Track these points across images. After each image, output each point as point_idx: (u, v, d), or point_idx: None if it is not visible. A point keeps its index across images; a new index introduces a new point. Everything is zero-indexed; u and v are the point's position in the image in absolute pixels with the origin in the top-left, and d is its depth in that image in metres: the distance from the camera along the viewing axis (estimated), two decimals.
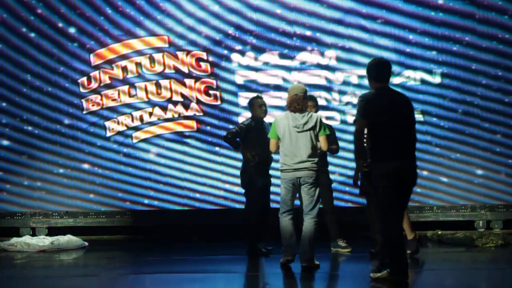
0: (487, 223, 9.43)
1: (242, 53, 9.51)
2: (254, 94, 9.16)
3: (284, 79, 9.53)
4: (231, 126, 9.07)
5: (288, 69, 9.53)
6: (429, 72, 9.52)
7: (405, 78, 9.51)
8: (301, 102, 6.66)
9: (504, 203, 9.45)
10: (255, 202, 7.57)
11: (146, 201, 9.58)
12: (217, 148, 9.43)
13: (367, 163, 5.83)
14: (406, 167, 5.73)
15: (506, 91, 9.46)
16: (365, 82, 9.27)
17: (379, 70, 5.88)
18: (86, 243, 8.79)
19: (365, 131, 5.85)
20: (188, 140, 9.53)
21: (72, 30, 9.51)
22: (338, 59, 9.50)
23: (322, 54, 9.50)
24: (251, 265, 7.29)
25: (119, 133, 9.56)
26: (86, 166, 9.56)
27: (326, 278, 6.62)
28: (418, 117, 9.29)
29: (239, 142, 7.63)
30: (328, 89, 9.50)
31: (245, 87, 9.53)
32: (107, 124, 9.56)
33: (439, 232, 8.74)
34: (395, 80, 9.39)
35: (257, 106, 7.69)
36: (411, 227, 7.27)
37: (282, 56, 9.52)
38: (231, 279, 6.65)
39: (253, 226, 7.56)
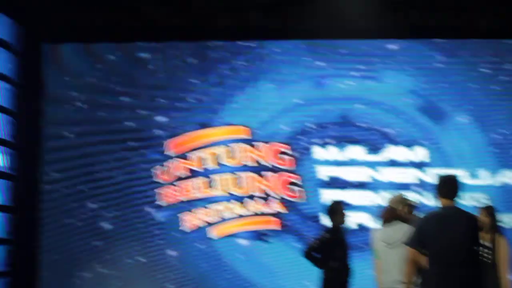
0: None
1: (325, 146, 9.67)
2: (337, 192, 9.26)
3: (371, 176, 9.59)
4: (312, 224, 9.18)
5: (375, 165, 9.61)
6: None
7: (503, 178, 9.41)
8: (387, 212, 6.63)
9: None
10: None
11: None
12: (296, 246, 9.32)
13: None
14: None
15: None
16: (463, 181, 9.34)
17: (441, 186, 5.82)
18: None
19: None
20: (268, 238, 9.61)
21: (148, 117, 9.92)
22: (430, 157, 9.51)
23: (412, 150, 9.54)
24: None
25: (196, 227, 9.73)
26: (159, 259, 9.73)
27: None
28: None
29: (318, 257, 7.54)
30: (420, 189, 9.46)
31: (328, 184, 9.61)
32: (183, 217, 9.76)
33: None
34: (492, 181, 9.30)
35: (340, 213, 7.61)
36: None
37: (368, 151, 9.62)
38: None
39: None
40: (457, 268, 5.55)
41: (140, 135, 9.91)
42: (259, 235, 9.65)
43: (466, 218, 5.72)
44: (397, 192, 8.83)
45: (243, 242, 9.66)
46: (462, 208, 5.79)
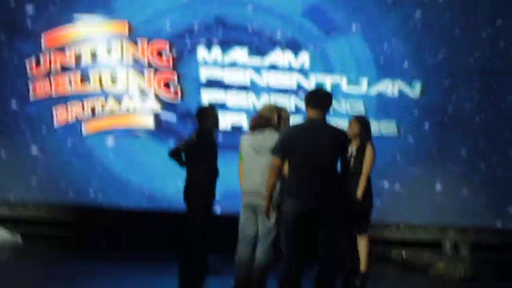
0: (455, 244, 9.22)
1: (208, 47, 9.45)
2: (217, 93, 9.11)
3: (252, 80, 9.46)
4: (189, 125, 9.01)
5: (257, 69, 9.46)
6: (408, 83, 9.46)
7: (383, 87, 9.44)
8: (256, 120, 6.46)
9: (474, 225, 9.35)
10: (196, 222, 7.25)
11: (92, 196, 9.44)
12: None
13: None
14: (311, 208, 5.56)
15: (478, 110, 9.41)
16: (343, 88, 9.38)
17: (312, 98, 5.79)
18: (19, 238, 8.53)
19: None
20: (142, 136, 9.42)
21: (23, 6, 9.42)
22: (312, 63, 9.45)
23: (295, 56, 9.45)
24: None
25: (68, 123, 9.43)
26: (28, 155, 9.42)
27: None
28: (392, 132, 9.30)
29: (183, 158, 7.33)
30: (299, 94, 9.39)
31: (208, 85, 9.44)
32: (55, 112, 9.43)
33: (404, 253, 8.54)
34: (372, 90, 9.37)
35: (210, 117, 7.41)
36: (369, 260, 7.12)
37: (252, 54, 9.45)
38: None
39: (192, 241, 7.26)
40: (318, 178, 5.56)
41: (12, 27, 9.41)
42: (132, 133, 9.43)
43: (331, 131, 5.72)
44: (271, 101, 8.89)
45: (115, 139, 9.45)
46: (329, 122, 5.78)
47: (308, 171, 5.58)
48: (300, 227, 5.58)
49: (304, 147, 5.59)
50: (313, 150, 5.57)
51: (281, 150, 5.69)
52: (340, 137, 5.72)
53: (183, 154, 7.29)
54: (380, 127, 9.32)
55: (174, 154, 7.29)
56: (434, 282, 7.86)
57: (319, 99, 5.76)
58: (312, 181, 5.56)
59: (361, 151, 7.13)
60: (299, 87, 9.43)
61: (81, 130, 9.44)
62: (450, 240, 9.30)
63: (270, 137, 6.19)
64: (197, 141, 7.24)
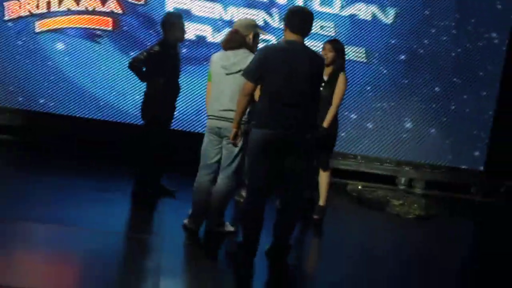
0: (409, 180, 9.37)
1: None
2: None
3: None
4: (151, 31, 8.54)
5: None
6: (383, 9, 9.12)
7: (355, 11, 9.08)
8: (231, 37, 5.94)
9: (430, 162, 9.35)
10: (156, 136, 7.00)
11: (41, 101, 8.91)
12: (132, 53, 8.54)
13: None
14: (283, 137, 5.28)
15: (455, 44, 9.21)
16: (315, 7, 8.98)
17: (293, 20, 5.34)
18: None
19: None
20: (100, 39, 8.88)
21: None
22: None
23: None
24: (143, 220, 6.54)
25: (20, 18, 8.81)
26: None
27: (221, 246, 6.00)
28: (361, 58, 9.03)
29: (143, 70, 6.92)
30: (269, 9, 9.00)
31: None
32: (6, 5, 8.80)
33: (359, 187, 8.40)
34: (344, 11, 9.01)
35: (176, 28, 6.92)
36: (327, 193, 6.96)
37: None
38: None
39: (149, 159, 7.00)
40: (292, 107, 5.27)
41: None
42: (89, 35, 8.90)
43: (311, 55, 5.37)
44: (247, 16, 8.44)
45: (71, 40, 8.89)
46: (308, 46, 5.41)
47: (287, 94, 5.25)
48: (269, 157, 5.31)
49: (283, 68, 5.23)
50: (292, 73, 5.23)
51: (256, 72, 5.30)
52: (318, 63, 5.41)
53: (143, 67, 6.87)
54: (349, 51, 9.00)
55: (134, 66, 6.89)
56: (390, 218, 7.73)
57: (301, 23, 5.35)
58: (290, 105, 5.25)
59: (332, 79, 6.82)
60: (271, 2, 8.99)
61: (33, 27, 8.84)
62: (405, 176, 9.29)
63: (244, 58, 5.78)
64: (160, 52, 6.84)
